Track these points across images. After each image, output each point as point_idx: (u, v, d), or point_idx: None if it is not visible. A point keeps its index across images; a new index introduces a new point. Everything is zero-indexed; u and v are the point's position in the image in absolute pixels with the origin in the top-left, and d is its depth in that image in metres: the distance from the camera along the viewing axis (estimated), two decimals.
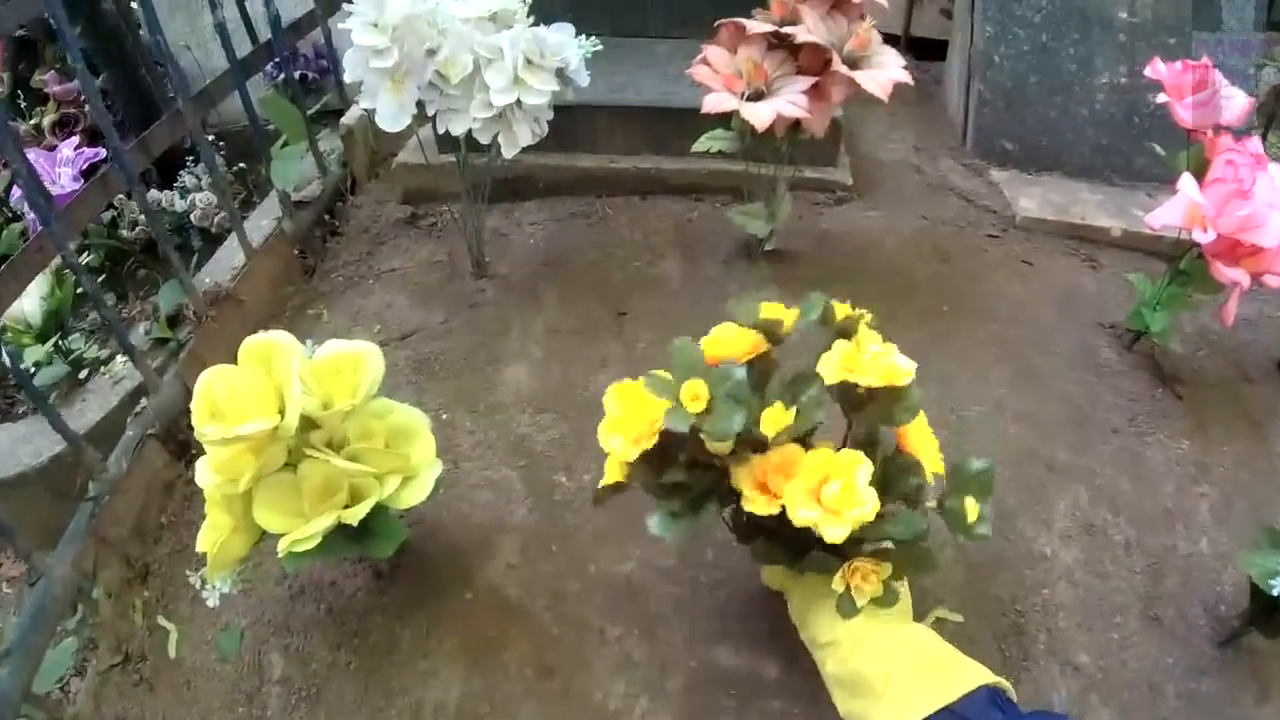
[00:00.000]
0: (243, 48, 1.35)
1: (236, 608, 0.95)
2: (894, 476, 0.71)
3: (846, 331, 0.75)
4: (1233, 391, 1.22)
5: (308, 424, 0.75)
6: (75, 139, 1.61)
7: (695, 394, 0.67)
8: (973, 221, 1.50)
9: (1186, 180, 1.02)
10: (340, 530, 0.77)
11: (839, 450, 0.69)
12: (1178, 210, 1.02)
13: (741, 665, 0.87)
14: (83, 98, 1.75)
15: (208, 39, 1.87)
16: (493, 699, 0.85)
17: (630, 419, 0.70)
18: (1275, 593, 0.78)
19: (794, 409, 0.68)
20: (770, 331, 0.77)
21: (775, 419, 0.67)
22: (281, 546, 0.74)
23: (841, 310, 0.76)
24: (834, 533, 0.63)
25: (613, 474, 0.73)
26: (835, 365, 0.69)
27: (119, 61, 1.69)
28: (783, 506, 0.67)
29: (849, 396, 0.72)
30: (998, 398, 1.15)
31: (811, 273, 1.34)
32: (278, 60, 1.48)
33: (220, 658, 0.92)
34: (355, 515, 0.74)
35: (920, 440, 0.74)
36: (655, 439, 0.68)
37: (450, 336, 1.26)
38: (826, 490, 0.65)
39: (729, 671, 0.87)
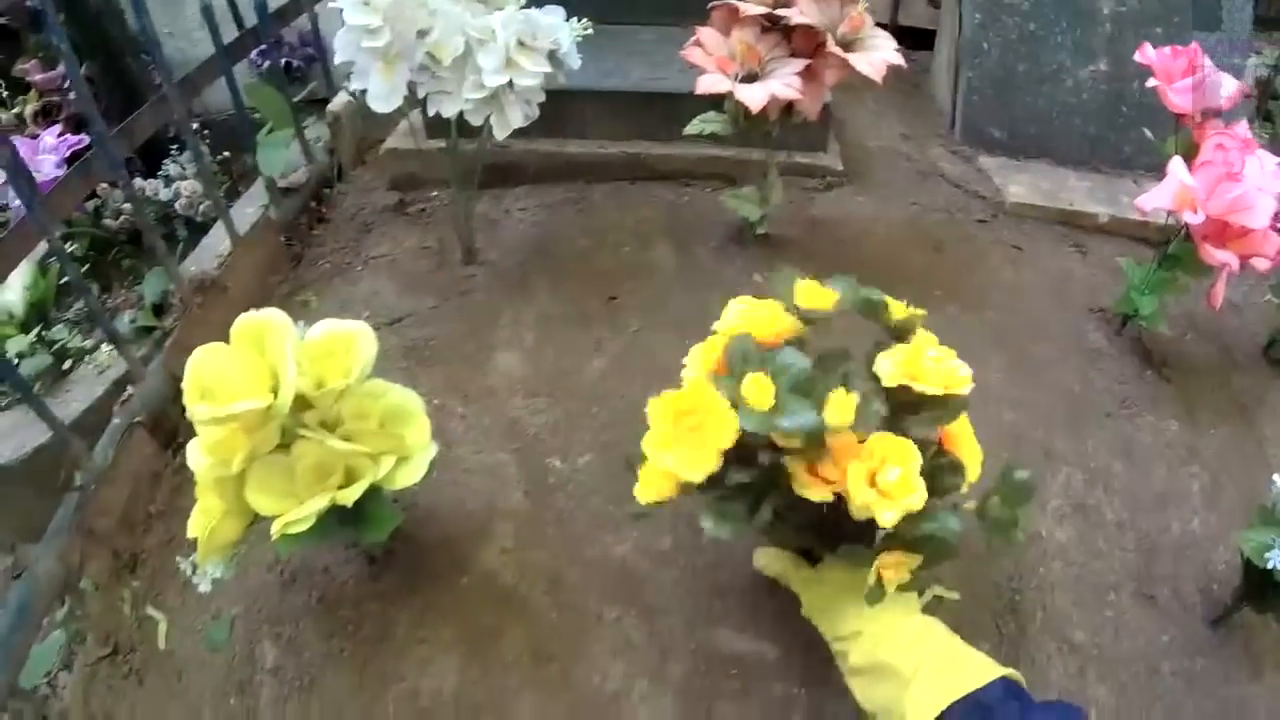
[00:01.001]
0: (230, 37, 1.34)
1: (227, 596, 0.93)
2: (937, 475, 0.69)
3: (902, 332, 0.72)
4: (1220, 376, 1.23)
5: (301, 404, 0.74)
6: (58, 127, 1.58)
7: (760, 389, 0.63)
8: (963, 208, 1.50)
9: (1176, 163, 1.03)
10: (334, 513, 0.76)
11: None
12: (1168, 193, 1.03)
13: (743, 647, 0.86)
14: (66, 84, 1.72)
15: (191, 29, 1.84)
16: (490, 686, 0.84)
17: (686, 433, 0.64)
18: (1270, 565, 0.79)
19: (856, 397, 0.65)
20: (810, 315, 0.74)
21: (841, 408, 0.64)
22: (275, 528, 0.72)
23: (898, 309, 0.73)
24: (888, 517, 0.63)
25: (658, 490, 0.68)
26: (896, 370, 0.67)
27: (103, 50, 1.67)
28: (835, 494, 0.65)
29: (902, 398, 0.69)
30: (992, 383, 1.15)
31: (805, 259, 1.33)
32: (263, 48, 1.46)
33: (211, 648, 0.90)
34: (350, 496, 0.73)
35: (964, 443, 0.73)
36: (721, 459, 0.64)
37: (440, 322, 1.24)
38: (886, 475, 0.64)
39: (730, 654, 0.86)
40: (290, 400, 0.68)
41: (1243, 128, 1.06)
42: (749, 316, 0.72)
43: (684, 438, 0.64)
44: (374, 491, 0.78)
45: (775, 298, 0.75)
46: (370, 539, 0.80)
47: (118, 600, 0.98)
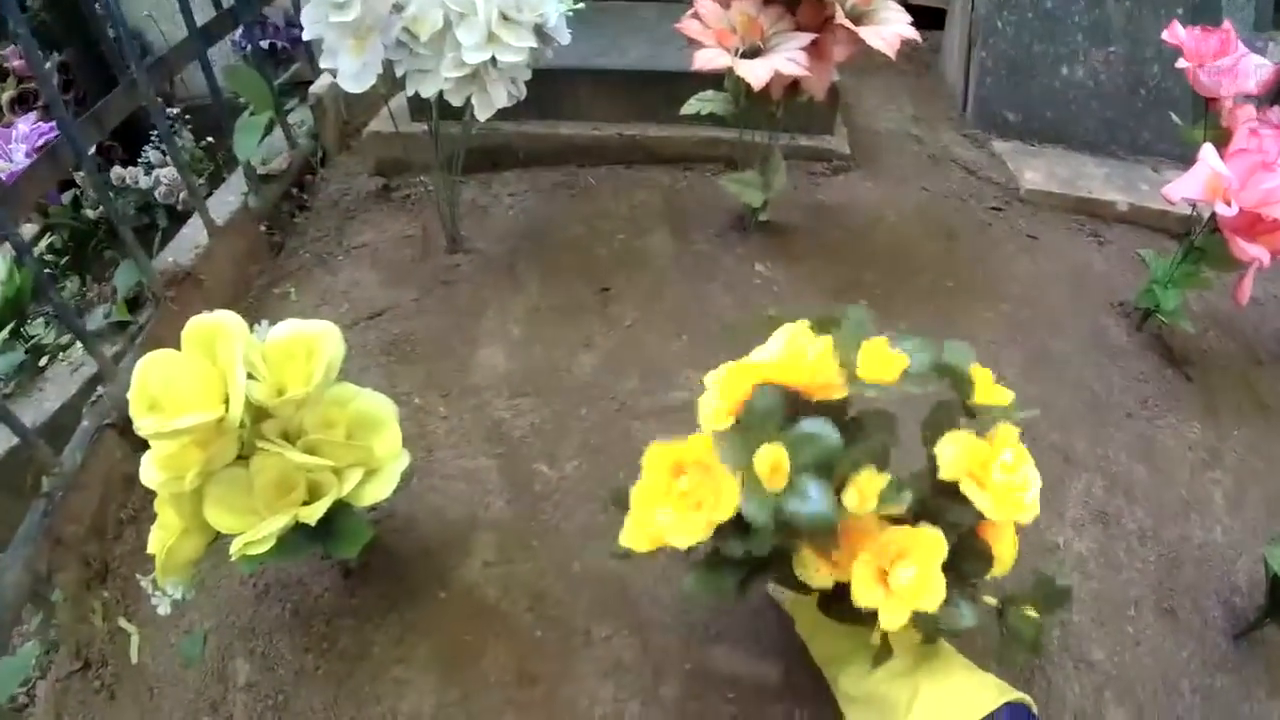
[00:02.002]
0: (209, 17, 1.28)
1: (200, 609, 0.90)
2: (961, 558, 0.61)
3: (980, 416, 0.62)
4: (1242, 374, 1.19)
5: (260, 414, 0.69)
6: (33, 115, 1.54)
7: (775, 465, 0.54)
8: (975, 194, 1.45)
9: (1209, 150, 0.97)
10: (300, 530, 0.71)
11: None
12: (1198, 182, 0.97)
13: (740, 667, 0.82)
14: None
15: (175, 12, 1.79)
16: (470, 709, 0.80)
17: (680, 494, 0.57)
18: None
19: (885, 476, 0.57)
20: (867, 389, 0.61)
21: (866, 490, 0.55)
22: (234, 549, 0.67)
23: (985, 386, 0.62)
24: (893, 620, 0.56)
25: (647, 541, 0.60)
26: (958, 463, 0.58)
27: (80, 35, 1.62)
28: (836, 582, 0.59)
29: (952, 489, 0.60)
30: (1009, 381, 1.09)
31: (810, 248, 1.28)
32: (246, 29, 1.41)
33: (184, 663, 0.87)
34: (312, 514, 0.68)
35: (1002, 536, 0.64)
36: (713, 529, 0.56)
37: (423, 316, 1.19)
38: (899, 573, 0.56)
39: (727, 674, 0.81)
40: (240, 413, 0.62)
41: (1277, 112, 1.00)
42: (791, 361, 0.60)
43: (676, 498, 0.57)
44: (342, 505, 0.73)
45: (834, 331, 0.62)
46: (339, 554, 0.75)
47: (89, 611, 0.94)
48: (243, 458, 0.70)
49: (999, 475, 0.57)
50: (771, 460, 0.54)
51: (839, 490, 0.56)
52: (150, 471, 0.69)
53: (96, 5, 1.59)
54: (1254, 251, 0.97)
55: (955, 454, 0.58)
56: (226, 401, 0.63)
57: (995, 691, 0.62)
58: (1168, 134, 1.39)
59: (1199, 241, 1.09)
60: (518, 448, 1.01)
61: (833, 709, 0.73)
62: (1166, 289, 1.12)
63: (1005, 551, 0.63)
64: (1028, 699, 0.62)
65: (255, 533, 0.66)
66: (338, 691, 0.82)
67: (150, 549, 0.74)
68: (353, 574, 0.90)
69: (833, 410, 0.60)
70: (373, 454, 0.71)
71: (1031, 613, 0.65)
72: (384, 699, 0.81)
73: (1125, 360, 1.16)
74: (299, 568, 0.91)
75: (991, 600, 0.66)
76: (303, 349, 0.69)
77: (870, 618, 0.59)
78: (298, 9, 1.54)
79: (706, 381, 0.63)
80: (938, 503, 0.60)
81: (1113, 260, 1.34)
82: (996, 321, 1.19)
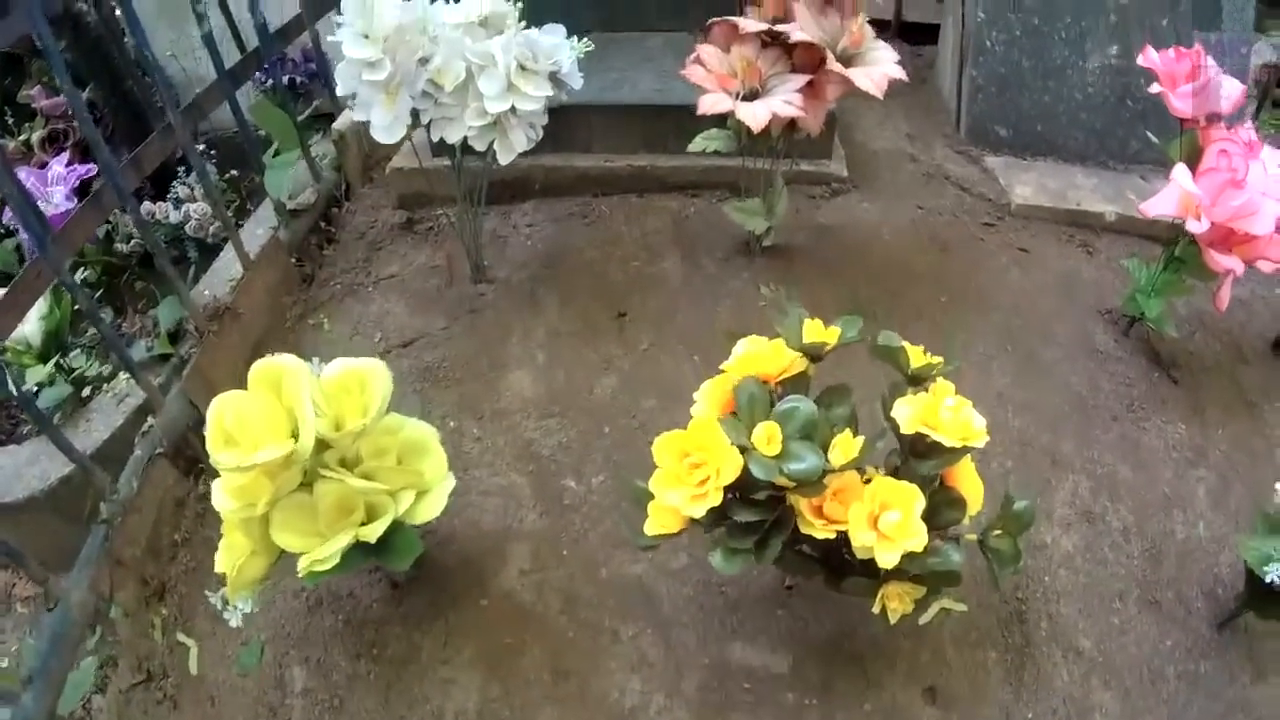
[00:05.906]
0: (231, 57, 1.34)
1: (256, 621, 0.96)
2: (938, 510, 0.73)
3: (919, 379, 0.76)
4: (1228, 373, 1.23)
5: (321, 444, 0.76)
6: (66, 155, 1.60)
7: (769, 437, 0.67)
8: (968, 210, 1.50)
9: (1180, 170, 1.03)
10: (358, 545, 0.78)
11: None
12: (1172, 200, 1.03)
13: (754, 661, 0.89)
14: (71, 113, 1.74)
15: (195, 47, 1.85)
16: (512, 704, 0.87)
17: (689, 471, 0.68)
18: (1269, 579, 0.80)
19: (861, 437, 0.69)
20: (812, 353, 0.77)
21: (845, 448, 0.68)
22: (301, 567, 0.75)
23: (916, 356, 0.76)
24: (888, 559, 0.66)
25: (667, 524, 0.72)
26: (913, 418, 0.70)
27: (105, 73, 1.68)
28: (837, 531, 0.68)
29: (915, 444, 0.72)
30: (1000, 389, 1.16)
31: (811, 268, 1.34)
32: (266, 66, 1.47)
33: (242, 672, 0.93)
34: (373, 533, 0.75)
35: (966, 478, 0.76)
36: (722, 493, 0.67)
37: (452, 343, 1.26)
38: (886, 518, 0.67)
39: (743, 667, 0.88)
40: (311, 446, 0.70)
41: (1247, 131, 1.06)
42: (754, 355, 0.75)
43: (687, 475, 0.68)
44: (396, 523, 0.80)
45: (781, 333, 0.77)
46: (394, 567, 0.82)
47: (148, 627, 1.00)
48: (304, 485, 0.78)
49: (947, 415, 0.69)
50: (767, 434, 0.67)
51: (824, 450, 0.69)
52: (222, 499, 0.76)
53: (127, 44, 1.64)
54: (1227, 263, 1.03)
55: (909, 412, 0.70)
56: (294, 435, 0.71)
57: None
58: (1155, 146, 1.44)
59: (1178, 252, 1.14)
60: (547, 465, 1.08)
61: (840, 696, 0.79)
62: (1150, 297, 1.18)
63: (972, 491, 0.75)
64: None
65: (321, 551, 0.73)
66: (389, 693, 0.89)
67: (219, 569, 0.81)
68: (400, 585, 0.96)
69: (799, 386, 0.75)
70: (422, 476, 0.79)
71: (1006, 534, 0.75)
72: (432, 698, 0.88)
73: (1112, 365, 1.21)
74: (350, 581, 0.98)
75: (972, 537, 0.77)
76: (356, 383, 0.77)
77: (870, 568, 0.70)
78: (316, 44, 1.61)
79: (696, 396, 0.76)
80: (908, 466, 0.72)
81: (1102, 269, 1.39)
82: (988, 332, 1.25)
